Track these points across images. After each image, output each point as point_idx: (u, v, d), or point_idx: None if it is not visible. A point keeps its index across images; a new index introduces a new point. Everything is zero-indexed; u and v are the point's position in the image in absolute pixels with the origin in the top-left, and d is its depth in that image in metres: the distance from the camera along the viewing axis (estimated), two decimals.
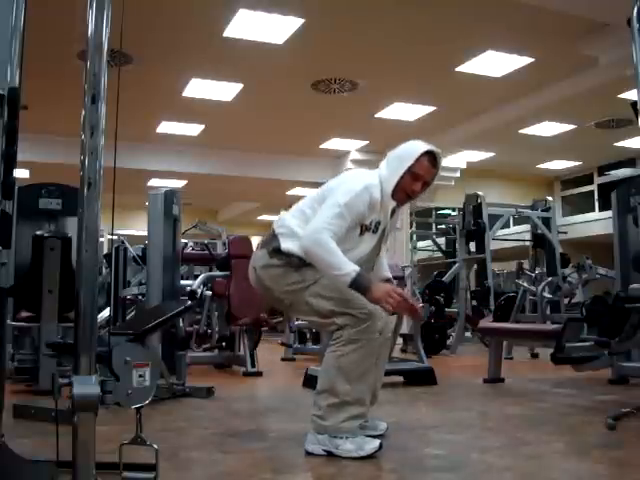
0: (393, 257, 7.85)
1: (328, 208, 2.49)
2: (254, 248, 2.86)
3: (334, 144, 10.96)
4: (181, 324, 4.88)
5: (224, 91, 8.27)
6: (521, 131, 10.13)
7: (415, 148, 2.59)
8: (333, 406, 2.42)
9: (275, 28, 6.40)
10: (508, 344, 6.28)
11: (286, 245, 2.54)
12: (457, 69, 7.47)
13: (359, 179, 2.57)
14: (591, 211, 13.56)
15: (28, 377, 4.18)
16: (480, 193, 8.16)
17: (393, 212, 2.68)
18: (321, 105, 8.79)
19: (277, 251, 2.56)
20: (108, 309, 5.89)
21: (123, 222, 13.34)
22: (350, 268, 2.39)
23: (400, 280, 6.82)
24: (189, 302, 4.57)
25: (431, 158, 2.60)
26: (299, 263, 2.52)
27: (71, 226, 4.76)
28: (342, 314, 2.46)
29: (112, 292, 6.14)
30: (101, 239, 8.26)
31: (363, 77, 7.82)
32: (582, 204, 13.95)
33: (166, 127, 9.87)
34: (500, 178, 13.31)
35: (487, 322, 5.60)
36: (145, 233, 5.37)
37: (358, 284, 2.39)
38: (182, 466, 2.32)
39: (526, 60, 7.19)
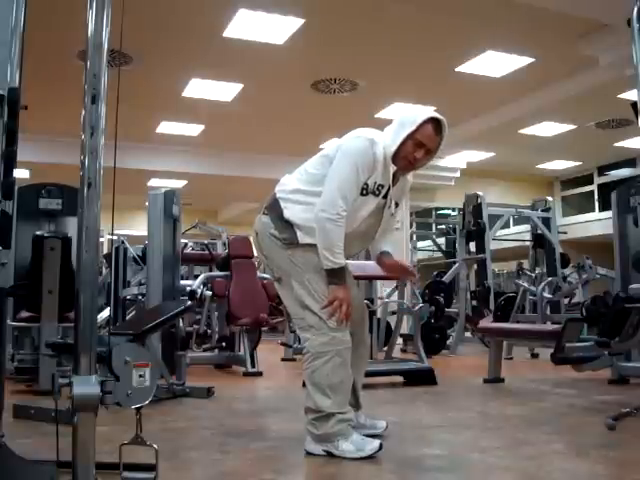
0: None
1: (337, 172, 2.48)
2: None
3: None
4: (181, 324, 4.89)
5: (224, 91, 8.27)
6: (521, 131, 10.12)
7: (418, 114, 2.53)
8: (319, 419, 2.46)
9: (275, 28, 6.40)
10: (508, 344, 6.27)
11: (288, 213, 2.55)
12: (457, 69, 7.47)
13: (363, 136, 2.54)
14: (591, 211, 13.55)
15: (28, 377, 4.17)
16: (480, 193, 8.15)
17: (395, 179, 2.59)
18: (321, 105, 8.79)
19: (280, 218, 2.57)
20: (108, 309, 5.90)
21: (123, 222, 13.33)
22: (340, 260, 2.47)
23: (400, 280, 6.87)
24: (189, 302, 4.57)
25: (435, 125, 2.51)
26: (295, 241, 2.53)
27: (71, 226, 4.76)
28: (314, 314, 2.49)
29: (112, 292, 6.14)
30: (101, 239, 8.26)
31: (363, 77, 7.81)
32: (582, 204, 13.94)
33: (166, 127, 9.87)
34: (500, 178, 13.31)
35: (487, 322, 5.59)
36: (145, 233, 5.38)
37: (335, 273, 2.48)
38: (182, 466, 2.32)
39: (526, 60, 7.19)
